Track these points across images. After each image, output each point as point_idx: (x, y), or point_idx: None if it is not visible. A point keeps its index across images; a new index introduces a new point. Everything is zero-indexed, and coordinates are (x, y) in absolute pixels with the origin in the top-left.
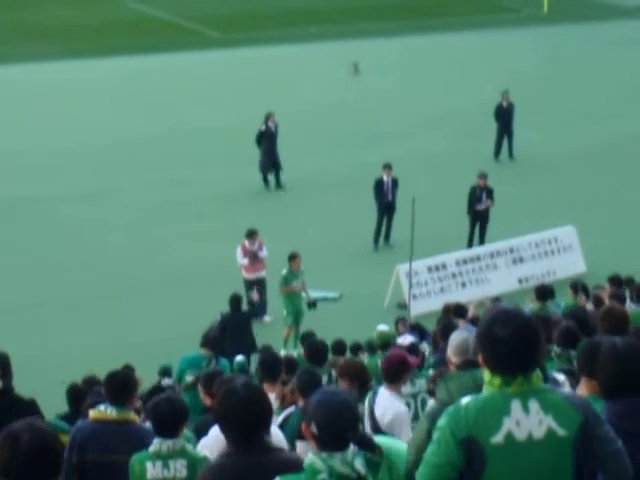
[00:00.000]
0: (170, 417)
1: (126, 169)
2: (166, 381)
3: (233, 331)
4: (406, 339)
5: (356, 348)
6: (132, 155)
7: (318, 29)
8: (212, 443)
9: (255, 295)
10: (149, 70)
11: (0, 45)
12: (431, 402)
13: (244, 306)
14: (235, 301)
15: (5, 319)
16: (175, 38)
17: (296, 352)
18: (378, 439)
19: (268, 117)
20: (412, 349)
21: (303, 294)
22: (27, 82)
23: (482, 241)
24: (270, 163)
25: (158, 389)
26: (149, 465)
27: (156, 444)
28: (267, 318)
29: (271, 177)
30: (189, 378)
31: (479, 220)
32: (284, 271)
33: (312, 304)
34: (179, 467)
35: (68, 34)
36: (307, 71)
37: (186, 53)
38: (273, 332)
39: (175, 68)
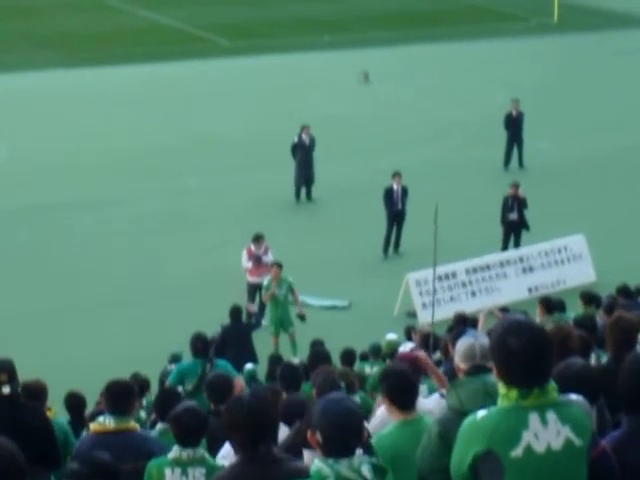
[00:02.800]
0: (193, 428)
1: (135, 177)
2: (172, 367)
3: (234, 342)
4: (406, 346)
5: (361, 357)
6: (141, 163)
7: (330, 38)
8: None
9: (252, 307)
10: (159, 78)
11: (9, 53)
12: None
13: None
14: (235, 313)
15: (11, 327)
16: (185, 46)
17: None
18: None
19: (302, 129)
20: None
21: (293, 303)
22: (36, 90)
23: None
24: (303, 176)
25: (170, 394)
26: (168, 471)
27: (176, 451)
28: (264, 322)
29: (303, 190)
30: (188, 386)
31: (512, 230)
32: (265, 281)
33: (301, 317)
34: (198, 475)
35: (77, 42)
36: (317, 79)
37: (196, 61)
38: (269, 337)
39: (185, 76)
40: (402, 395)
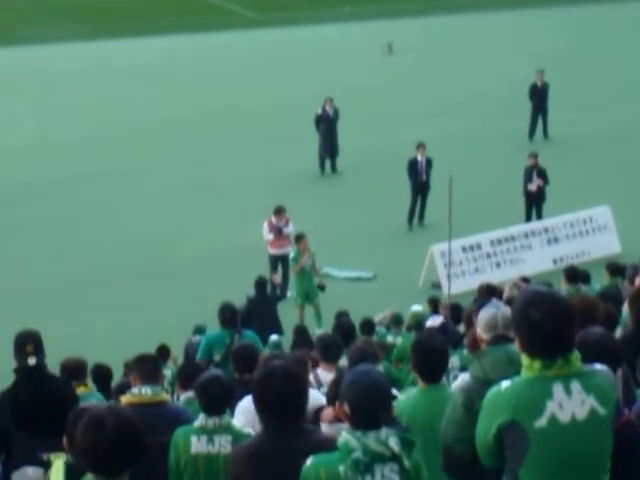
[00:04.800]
0: (218, 397)
1: (158, 150)
2: (197, 338)
3: (259, 314)
4: (436, 320)
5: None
6: (166, 136)
7: (352, 9)
8: (247, 412)
9: (277, 278)
10: (184, 51)
11: (30, 25)
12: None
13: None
14: (260, 284)
15: (33, 300)
16: (210, 18)
17: (320, 331)
18: None
19: (326, 101)
20: (443, 330)
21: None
22: (57, 63)
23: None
24: (327, 148)
25: (195, 364)
26: (194, 439)
27: (202, 419)
28: (288, 294)
29: (327, 162)
30: (217, 357)
31: (534, 200)
32: (292, 253)
33: (322, 287)
34: (224, 442)
35: (100, 14)
36: (341, 51)
37: (221, 33)
38: (294, 308)
39: (210, 48)
40: (429, 369)
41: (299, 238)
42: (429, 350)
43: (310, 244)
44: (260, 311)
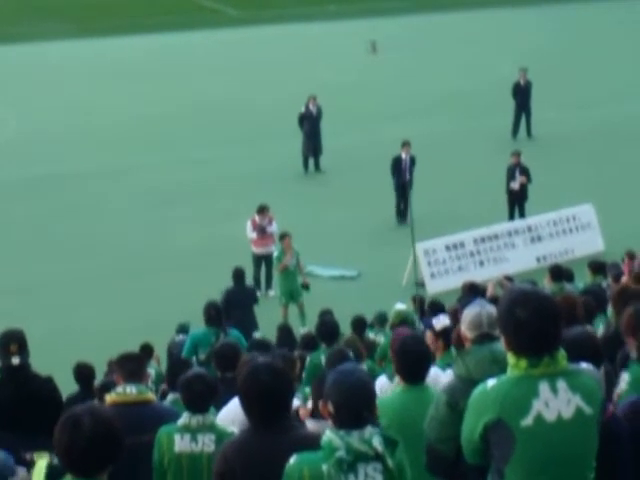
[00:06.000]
0: (203, 395)
1: (141, 148)
2: (180, 337)
3: (237, 305)
4: (439, 322)
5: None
6: (148, 134)
7: (337, 7)
8: (233, 414)
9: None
10: (166, 48)
11: (15, 24)
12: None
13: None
14: (238, 275)
15: (22, 298)
16: (193, 16)
17: (304, 329)
18: None
19: (309, 99)
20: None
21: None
22: (43, 61)
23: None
24: (311, 146)
25: (182, 363)
26: (177, 437)
27: (185, 418)
28: (271, 292)
29: (311, 161)
30: (202, 356)
31: (516, 199)
32: (276, 252)
33: (306, 286)
34: (207, 441)
35: (84, 12)
36: (325, 49)
37: (204, 31)
38: (277, 307)
39: (193, 46)
40: (411, 370)
41: (282, 237)
42: (410, 351)
43: (294, 243)
44: (238, 303)
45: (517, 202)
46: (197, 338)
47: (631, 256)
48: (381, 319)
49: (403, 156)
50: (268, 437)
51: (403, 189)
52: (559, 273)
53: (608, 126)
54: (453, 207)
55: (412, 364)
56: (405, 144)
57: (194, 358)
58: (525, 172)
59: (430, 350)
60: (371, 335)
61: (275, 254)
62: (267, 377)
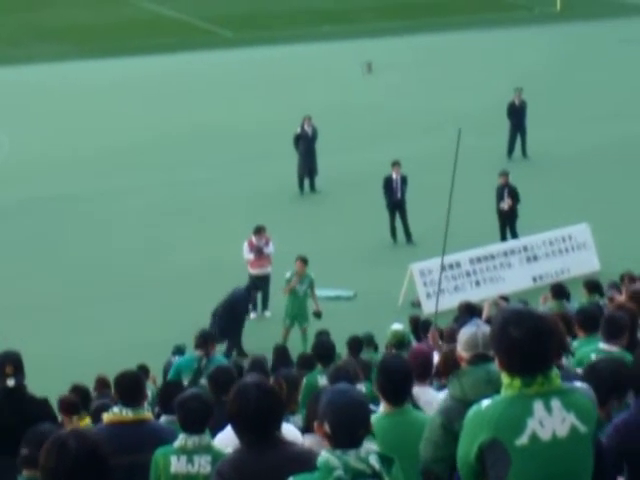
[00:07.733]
0: (199, 415)
1: (139, 169)
2: (176, 358)
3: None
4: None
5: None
6: (145, 155)
7: (331, 28)
8: (228, 439)
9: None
10: (162, 70)
11: (14, 46)
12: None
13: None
14: (251, 288)
15: (18, 319)
16: (188, 38)
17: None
18: None
19: (304, 120)
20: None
21: (311, 299)
22: (41, 83)
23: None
24: (306, 167)
25: (174, 386)
26: (174, 459)
27: (182, 439)
28: (267, 313)
29: (306, 181)
30: (185, 382)
31: (506, 219)
32: (288, 273)
33: (317, 314)
34: (203, 463)
35: (82, 35)
36: (320, 70)
37: (199, 53)
38: (272, 328)
39: (188, 68)
40: (392, 391)
41: (297, 260)
42: (392, 372)
43: (292, 264)
44: (241, 308)
45: (508, 222)
46: (180, 366)
47: (631, 279)
48: (368, 341)
49: (394, 176)
50: (261, 454)
51: (396, 209)
52: (561, 291)
53: (604, 146)
54: (449, 227)
55: (391, 385)
56: (395, 164)
57: None
58: (513, 192)
59: (410, 371)
60: (365, 356)
61: (287, 275)
62: (255, 396)
